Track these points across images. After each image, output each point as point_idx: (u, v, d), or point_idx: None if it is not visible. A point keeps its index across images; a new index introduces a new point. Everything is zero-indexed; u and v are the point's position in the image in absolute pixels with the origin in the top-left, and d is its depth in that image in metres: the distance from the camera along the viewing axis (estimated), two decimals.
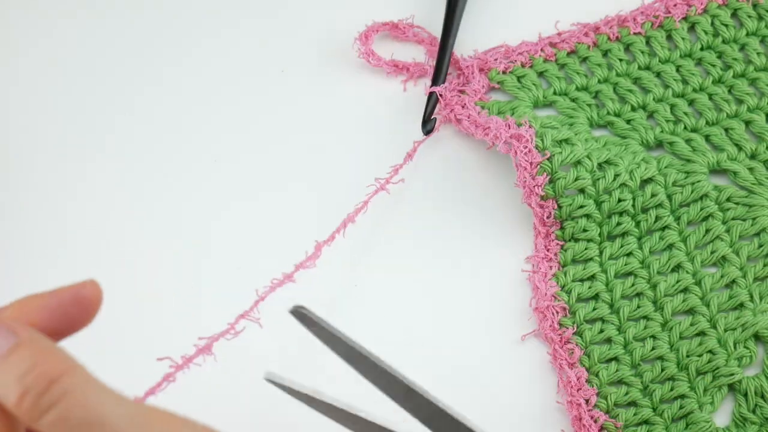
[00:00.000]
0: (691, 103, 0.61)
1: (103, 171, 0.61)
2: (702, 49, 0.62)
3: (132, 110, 0.63)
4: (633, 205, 0.57)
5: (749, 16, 0.62)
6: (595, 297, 0.56)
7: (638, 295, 0.56)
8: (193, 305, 0.56)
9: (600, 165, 0.57)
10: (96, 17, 0.67)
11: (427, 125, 0.59)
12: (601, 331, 0.55)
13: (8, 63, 0.65)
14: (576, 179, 0.56)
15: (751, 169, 0.59)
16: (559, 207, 0.57)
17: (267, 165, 0.59)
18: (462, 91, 0.60)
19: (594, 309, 0.56)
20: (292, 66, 0.63)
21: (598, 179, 0.56)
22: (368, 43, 0.61)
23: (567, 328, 0.55)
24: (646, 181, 0.58)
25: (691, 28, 0.62)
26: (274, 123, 0.62)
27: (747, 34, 0.62)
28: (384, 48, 0.62)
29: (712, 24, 0.62)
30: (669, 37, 0.62)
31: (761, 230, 0.57)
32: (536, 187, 0.56)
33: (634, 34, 0.62)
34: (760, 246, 0.56)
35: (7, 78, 0.65)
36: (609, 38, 0.62)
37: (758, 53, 0.61)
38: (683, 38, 0.62)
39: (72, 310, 0.38)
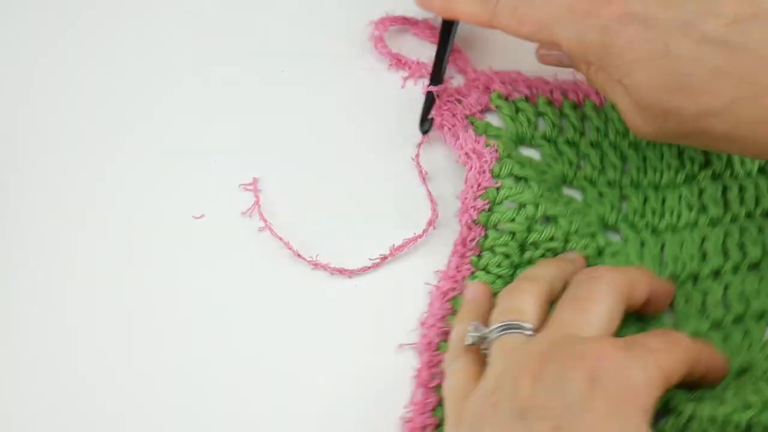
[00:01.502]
0: (663, 201, 0.57)
1: (102, 172, 0.62)
2: None
3: (132, 110, 0.64)
4: None
5: None
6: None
7: None
8: (194, 305, 0.57)
9: (544, 218, 0.55)
10: (96, 17, 0.68)
11: (425, 125, 0.58)
12: None
13: (9, 63, 0.67)
14: (511, 220, 0.55)
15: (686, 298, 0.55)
16: (486, 236, 0.55)
17: (267, 165, 0.60)
18: (459, 101, 0.58)
19: None
20: (292, 66, 0.63)
21: (534, 231, 0.55)
22: (381, 30, 0.61)
23: (441, 352, 0.53)
24: (587, 247, 0.55)
25: None
26: (274, 123, 0.62)
27: None
28: (399, 44, 0.62)
29: None
30: None
31: None
32: (473, 209, 0.55)
33: None
34: None
35: (7, 78, 0.66)
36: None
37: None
38: None
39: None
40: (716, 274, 0.55)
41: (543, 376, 0.44)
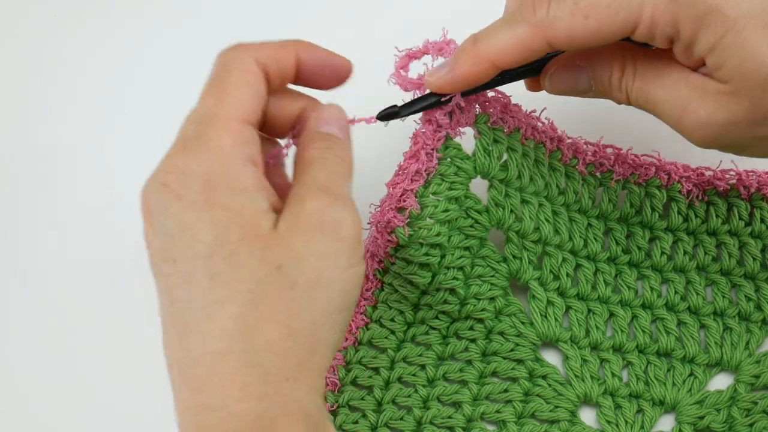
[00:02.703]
0: (578, 268, 0.60)
1: (102, 172, 0.63)
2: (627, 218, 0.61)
3: (132, 110, 0.65)
4: (458, 311, 0.59)
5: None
6: (369, 389, 0.58)
7: (408, 410, 0.57)
8: None
9: (454, 265, 0.57)
10: (96, 17, 0.68)
11: (389, 115, 0.54)
12: (355, 422, 0.57)
13: (10, 63, 0.66)
14: (424, 254, 0.56)
15: (585, 360, 0.59)
16: (381, 289, 0.58)
17: None
18: (450, 114, 0.55)
19: (361, 398, 0.57)
20: None
21: (436, 274, 0.57)
22: (405, 72, 0.54)
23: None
24: (483, 309, 0.59)
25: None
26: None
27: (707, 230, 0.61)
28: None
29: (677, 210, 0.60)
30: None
31: (554, 420, 0.58)
32: (394, 217, 0.55)
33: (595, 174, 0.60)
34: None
35: (9, 78, 0.66)
36: (577, 166, 0.60)
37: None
38: (610, 200, 0.60)
39: (326, 71, 0.49)
40: (618, 348, 0.60)
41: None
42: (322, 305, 0.45)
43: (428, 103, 0.54)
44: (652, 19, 0.48)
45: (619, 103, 0.53)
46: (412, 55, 0.53)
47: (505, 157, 0.57)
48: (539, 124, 0.58)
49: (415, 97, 0.54)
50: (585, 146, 0.60)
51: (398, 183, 0.55)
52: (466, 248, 0.58)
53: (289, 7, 0.68)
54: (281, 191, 0.48)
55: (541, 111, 0.58)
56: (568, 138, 0.60)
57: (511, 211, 0.57)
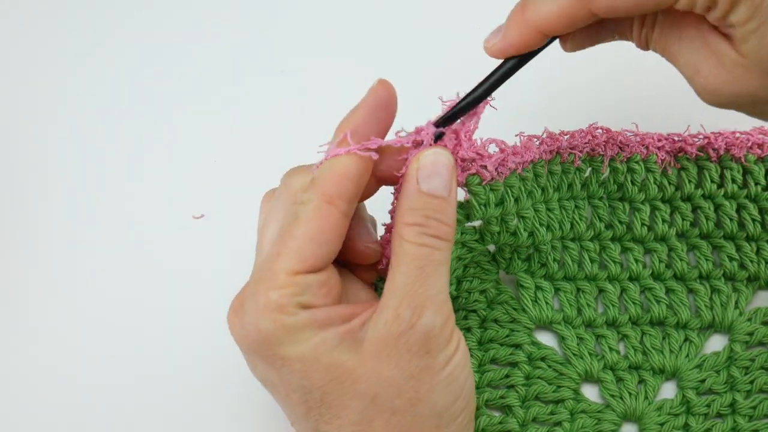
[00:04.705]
0: (564, 249, 0.60)
1: (101, 172, 0.63)
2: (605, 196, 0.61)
3: (130, 111, 0.65)
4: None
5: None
6: None
7: None
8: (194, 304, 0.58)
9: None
10: (95, 17, 0.68)
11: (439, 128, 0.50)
12: None
13: (10, 63, 0.67)
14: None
15: (580, 339, 0.59)
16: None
17: (266, 165, 0.59)
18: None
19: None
20: (292, 66, 0.64)
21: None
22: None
23: None
24: (476, 301, 0.60)
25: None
26: (274, 123, 0.62)
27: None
28: None
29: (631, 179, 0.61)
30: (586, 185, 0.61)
31: (558, 400, 0.58)
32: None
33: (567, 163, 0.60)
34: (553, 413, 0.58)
35: (8, 77, 0.66)
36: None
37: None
38: (597, 180, 0.60)
39: (380, 114, 0.47)
40: (612, 323, 0.60)
41: None
42: (431, 414, 0.45)
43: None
44: None
45: (640, 48, 0.53)
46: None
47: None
48: (536, 141, 0.57)
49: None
50: (579, 137, 0.60)
51: None
52: (459, 258, 0.58)
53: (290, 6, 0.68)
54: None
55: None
56: (565, 134, 0.59)
57: (507, 231, 0.57)
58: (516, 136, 0.56)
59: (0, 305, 0.61)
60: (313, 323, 0.45)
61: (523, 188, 0.56)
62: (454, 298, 0.59)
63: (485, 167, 0.52)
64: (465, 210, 0.54)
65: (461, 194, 0.52)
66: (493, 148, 0.53)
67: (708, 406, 0.58)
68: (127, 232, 0.61)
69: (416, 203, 0.46)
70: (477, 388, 0.58)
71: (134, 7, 0.68)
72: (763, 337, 0.59)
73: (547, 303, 0.60)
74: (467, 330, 0.59)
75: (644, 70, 0.62)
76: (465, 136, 0.50)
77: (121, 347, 0.59)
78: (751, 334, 0.59)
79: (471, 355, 0.58)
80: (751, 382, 0.58)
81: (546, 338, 0.60)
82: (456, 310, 0.59)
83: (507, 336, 0.59)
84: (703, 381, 0.59)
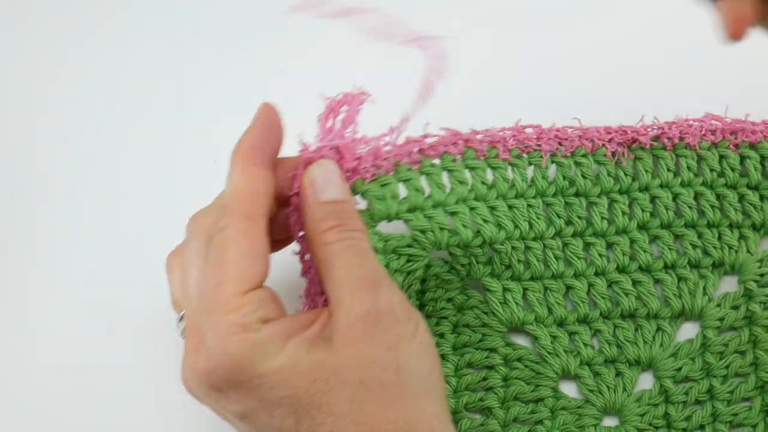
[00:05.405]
0: (525, 250, 0.59)
1: (101, 172, 0.64)
2: (556, 194, 0.60)
3: (130, 111, 0.66)
4: None
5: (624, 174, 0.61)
6: None
7: None
8: None
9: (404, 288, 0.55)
10: (95, 18, 0.69)
11: None
12: None
13: (10, 63, 0.67)
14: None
15: (554, 337, 0.59)
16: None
17: None
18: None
19: None
20: (293, 66, 0.66)
21: None
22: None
23: None
24: (443, 308, 0.59)
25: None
26: None
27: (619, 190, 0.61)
28: None
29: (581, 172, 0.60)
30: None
31: (538, 399, 0.58)
32: None
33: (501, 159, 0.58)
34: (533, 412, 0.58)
35: (9, 76, 0.67)
36: (476, 154, 0.58)
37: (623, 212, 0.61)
38: (543, 177, 0.59)
39: (274, 132, 0.51)
40: (583, 320, 0.59)
41: None
42: (416, 381, 0.47)
43: None
44: None
45: None
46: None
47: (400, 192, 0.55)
48: (428, 140, 0.56)
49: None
50: (502, 133, 0.59)
51: None
52: (409, 272, 0.55)
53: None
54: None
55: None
56: (478, 133, 0.59)
57: (441, 229, 0.55)
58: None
59: (0, 305, 0.61)
60: (278, 335, 0.46)
61: (432, 183, 0.55)
62: (421, 307, 0.58)
63: (364, 168, 0.53)
64: (369, 211, 0.53)
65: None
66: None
67: (686, 393, 0.58)
68: (127, 233, 0.62)
69: (323, 212, 0.49)
70: (455, 392, 0.57)
71: (134, 7, 0.69)
72: (734, 322, 0.59)
73: (517, 304, 0.59)
74: (440, 336, 0.58)
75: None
76: (346, 151, 0.52)
77: (121, 347, 0.59)
78: (722, 319, 0.59)
79: (447, 360, 0.57)
80: (727, 367, 0.58)
81: (520, 339, 0.59)
82: (427, 317, 0.58)
83: (480, 340, 0.58)
84: (679, 369, 0.58)
